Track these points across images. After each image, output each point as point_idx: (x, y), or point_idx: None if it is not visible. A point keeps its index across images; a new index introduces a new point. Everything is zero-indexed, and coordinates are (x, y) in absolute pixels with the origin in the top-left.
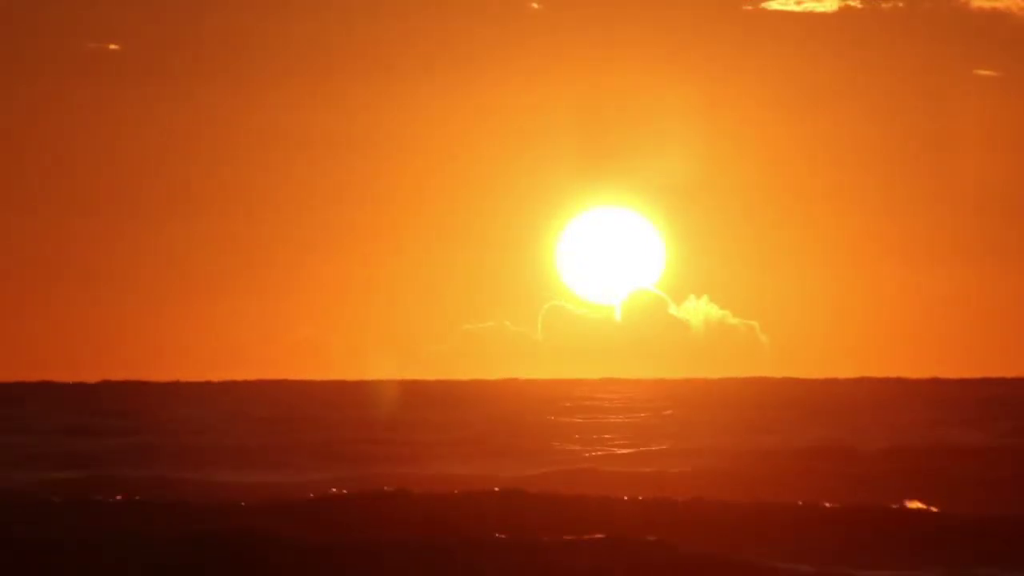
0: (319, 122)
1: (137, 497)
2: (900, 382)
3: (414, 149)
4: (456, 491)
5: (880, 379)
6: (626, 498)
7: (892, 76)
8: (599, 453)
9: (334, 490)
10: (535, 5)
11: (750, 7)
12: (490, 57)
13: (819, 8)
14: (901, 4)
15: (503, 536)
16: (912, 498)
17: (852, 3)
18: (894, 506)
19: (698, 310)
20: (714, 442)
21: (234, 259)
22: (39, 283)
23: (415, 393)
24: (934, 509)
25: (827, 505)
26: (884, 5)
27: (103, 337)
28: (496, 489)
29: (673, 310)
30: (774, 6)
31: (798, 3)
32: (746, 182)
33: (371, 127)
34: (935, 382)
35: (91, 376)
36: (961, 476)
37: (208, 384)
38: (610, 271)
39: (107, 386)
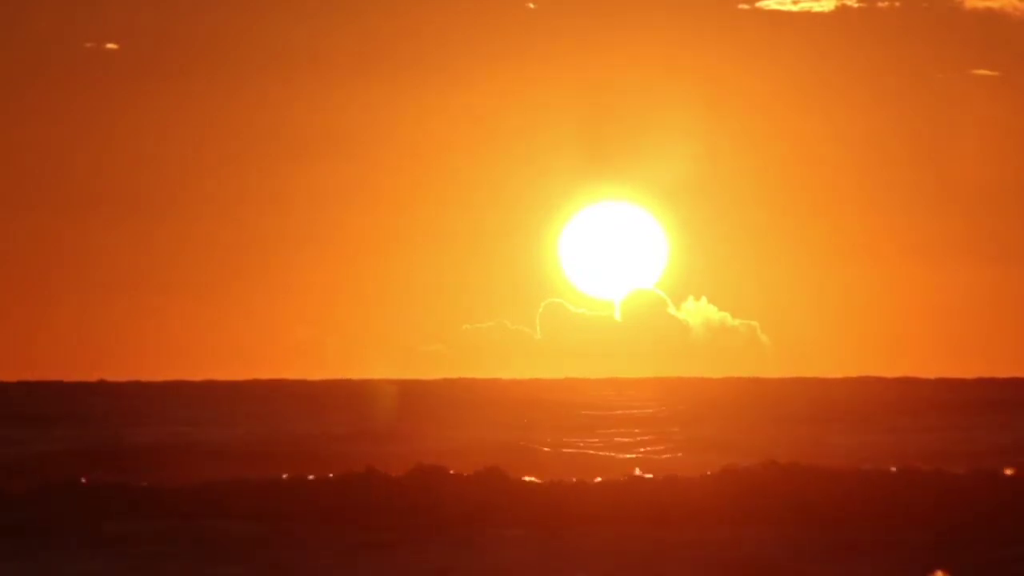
0: (318, 121)
1: None
2: (902, 382)
3: (412, 148)
4: None
5: (881, 379)
6: None
7: (889, 76)
8: None
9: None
10: (531, 5)
11: (746, 6)
12: (488, 56)
13: (816, 7)
14: (898, 4)
15: None
16: None
17: (849, 2)
18: None
19: (698, 311)
20: None
21: (233, 259)
22: (35, 283)
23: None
24: None
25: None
26: (881, 4)
27: (101, 337)
28: None
29: (672, 311)
30: (770, 5)
31: (794, 2)
32: (744, 182)
33: (369, 126)
34: (936, 382)
35: (89, 376)
36: None
37: (208, 383)
38: (611, 266)
39: (106, 386)
